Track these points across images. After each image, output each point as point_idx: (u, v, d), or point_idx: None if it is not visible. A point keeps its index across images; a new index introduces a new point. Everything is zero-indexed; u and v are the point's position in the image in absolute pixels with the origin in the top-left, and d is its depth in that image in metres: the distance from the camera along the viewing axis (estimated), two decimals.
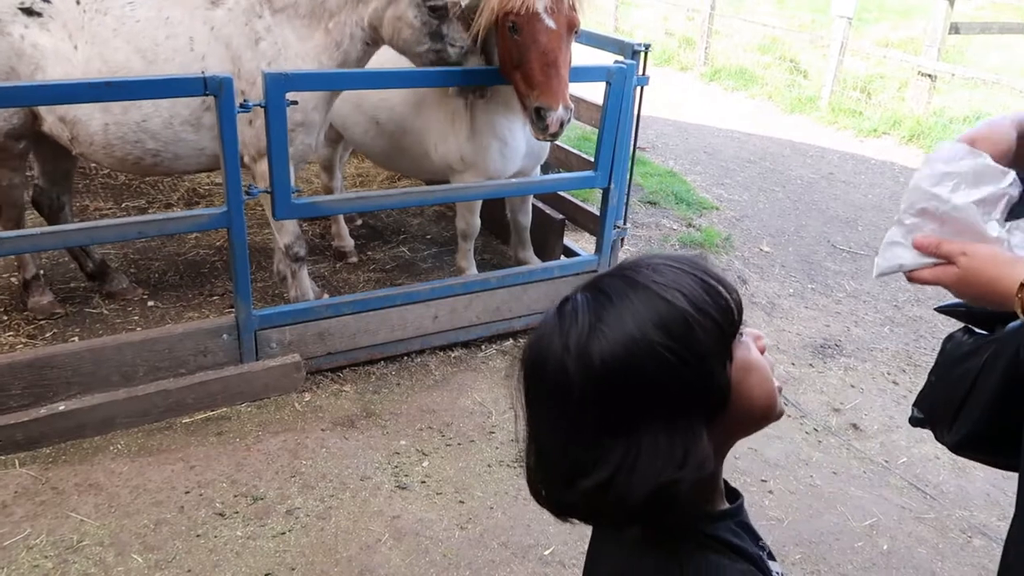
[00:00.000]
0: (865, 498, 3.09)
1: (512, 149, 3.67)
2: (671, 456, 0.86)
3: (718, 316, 0.90)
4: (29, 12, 3.21)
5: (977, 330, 1.35)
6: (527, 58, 3.10)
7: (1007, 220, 1.18)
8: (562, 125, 3.14)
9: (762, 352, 0.97)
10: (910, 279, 1.25)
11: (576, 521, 0.97)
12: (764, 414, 0.97)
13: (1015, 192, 1.17)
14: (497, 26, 3.17)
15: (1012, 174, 1.18)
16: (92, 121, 3.27)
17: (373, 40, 3.20)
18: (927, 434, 1.42)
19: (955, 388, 1.31)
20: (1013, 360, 1.20)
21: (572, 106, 3.17)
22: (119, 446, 3.01)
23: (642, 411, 0.87)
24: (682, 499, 0.87)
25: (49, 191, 3.81)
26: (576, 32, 3.21)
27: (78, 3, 3.26)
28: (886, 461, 3.32)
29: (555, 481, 0.94)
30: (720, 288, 0.91)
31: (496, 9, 3.09)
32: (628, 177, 3.93)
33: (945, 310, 1.41)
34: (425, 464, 3.04)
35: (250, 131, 3.25)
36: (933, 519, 3.02)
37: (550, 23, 3.07)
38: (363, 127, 3.89)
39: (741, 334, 0.94)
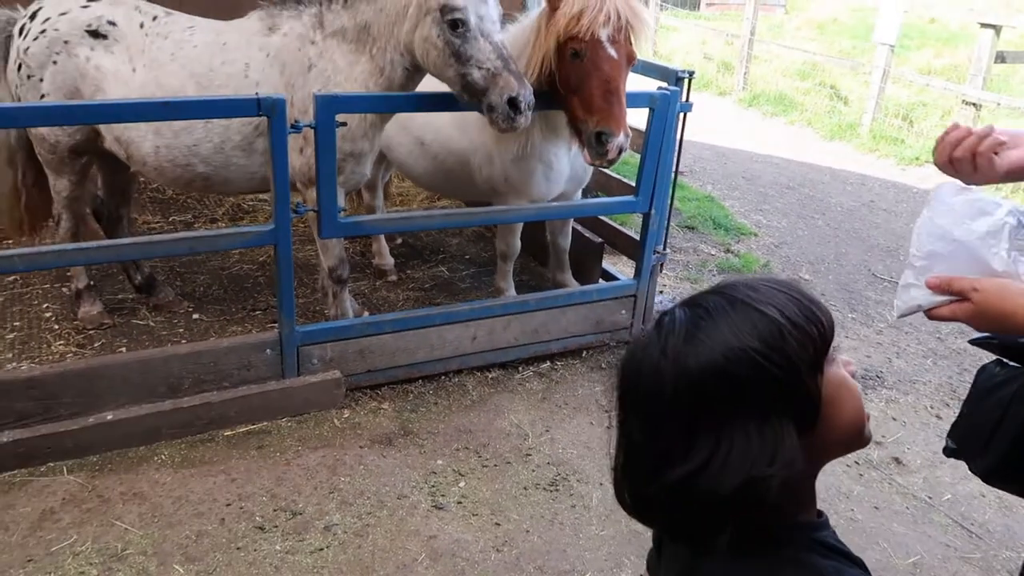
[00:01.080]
0: (908, 535, 3.03)
1: (557, 172, 3.69)
2: (762, 452, 0.90)
3: (810, 330, 0.95)
4: (95, 34, 3.33)
5: (1010, 363, 1.38)
6: (588, 84, 3.10)
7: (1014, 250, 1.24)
8: (620, 151, 3.14)
9: (852, 376, 1.01)
10: (930, 317, 1.30)
11: (647, 529, 1.01)
12: (854, 434, 1.00)
13: (1013, 220, 1.23)
14: (557, 51, 3.17)
15: (1007, 204, 1.25)
16: (144, 143, 3.36)
17: (414, 66, 3.19)
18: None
19: (986, 418, 1.36)
20: None
21: (631, 134, 3.18)
22: (163, 456, 3.07)
23: (735, 411, 0.91)
24: (770, 498, 0.90)
25: (109, 203, 3.94)
26: (632, 64, 3.22)
27: (142, 26, 3.36)
28: (930, 497, 3.25)
29: (640, 474, 0.98)
30: (813, 307, 0.97)
31: (561, 34, 3.10)
32: (669, 203, 3.93)
33: (978, 343, 1.45)
34: (461, 484, 3.05)
35: (301, 159, 3.30)
36: (979, 559, 2.95)
37: (612, 52, 3.08)
38: (407, 148, 3.95)
39: (834, 355, 0.99)
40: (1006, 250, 1.23)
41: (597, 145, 3.14)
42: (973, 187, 1.31)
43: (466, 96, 3.04)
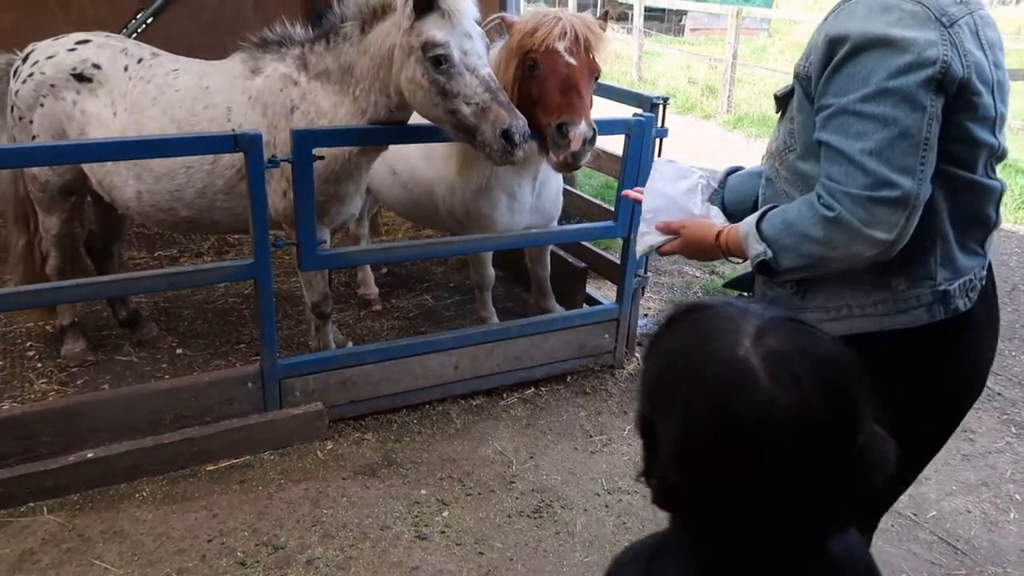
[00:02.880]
0: (893, 553, 3.02)
1: (520, 204, 3.69)
2: None
3: None
4: (80, 78, 3.37)
5: (746, 292, 2.00)
6: (546, 88, 3.06)
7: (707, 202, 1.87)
8: (584, 144, 3.01)
9: None
10: (660, 253, 1.91)
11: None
12: None
13: (704, 181, 1.86)
14: (517, 69, 3.15)
15: (698, 171, 1.89)
16: (126, 188, 3.38)
17: (398, 107, 3.12)
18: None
19: None
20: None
21: (596, 129, 3.07)
22: (144, 493, 3.05)
23: None
24: None
25: (100, 238, 3.97)
26: (596, 75, 3.20)
27: (126, 69, 3.39)
28: (915, 514, 3.24)
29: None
30: None
31: (515, 49, 3.11)
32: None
33: (728, 285, 2.10)
34: (445, 514, 3.04)
35: (284, 202, 3.28)
36: (965, 575, 2.94)
37: (570, 59, 3.07)
38: (381, 177, 3.98)
39: None
40: (700, 201, 1.84)
41: (559, 138, 3.02)
42: (676, 160, 1.95)
43: (460, 135, 2.97)
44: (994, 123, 1.58)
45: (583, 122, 3.00)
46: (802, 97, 1.65)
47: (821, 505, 0.94)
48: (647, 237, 1.90)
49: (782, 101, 1.77)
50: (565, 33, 3.07)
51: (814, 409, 0.89)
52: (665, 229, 1.87)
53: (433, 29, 2.86)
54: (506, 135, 2.84)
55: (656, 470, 1.00)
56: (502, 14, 3.33)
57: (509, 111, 2.86)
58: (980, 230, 1.67)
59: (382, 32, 3.03)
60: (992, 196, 1.65)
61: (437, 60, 2.85)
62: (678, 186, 1.84)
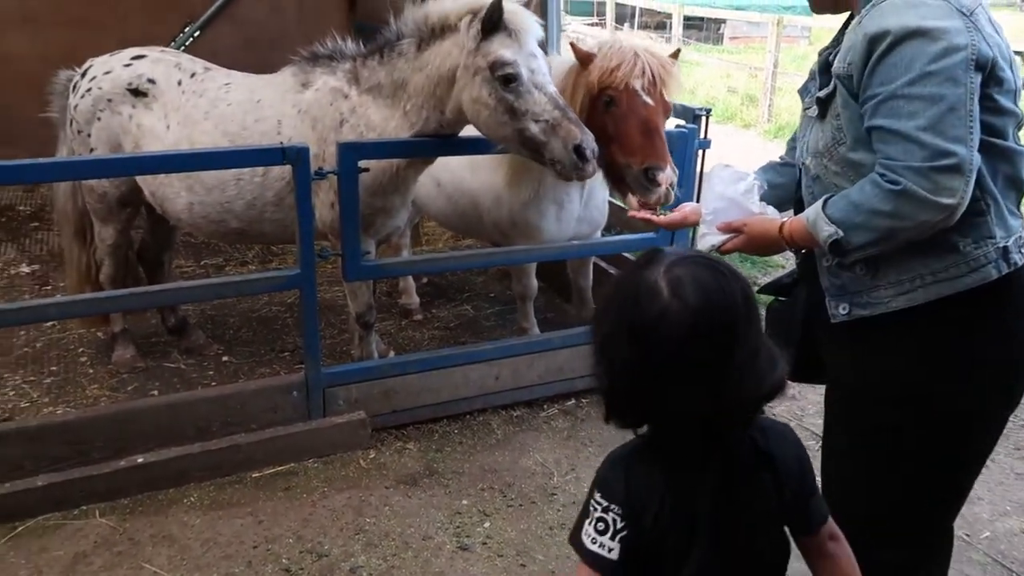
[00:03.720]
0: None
1: (568, 213, 3.71)
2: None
3: None
4: (136, 92, 3.46)
5: (781, 298, 2.13)
6: (626, 127, 3.08)
7: (762, 201, 1.99)
8: (671, 185, 3.08)
9: None
10: (722, 252, 1.99)
11: None
12: None
13: (760, 181, 2.00)
14: (589, 103, 3.17)
15: (752, 173, 2.03)
16: (178, 200, 3.46)
17: (451, 123, 3.15)
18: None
19: (776, 333, 1.98)
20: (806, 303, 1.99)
21: (676, 171, 3.15)
22: (192, 499, 3.11)
23: None
24: None
25: (152, 247, 4.08)
26: (667, 115, 3.23)
27: (179, 84, 3.47)
28: (967, 535, 3.16)
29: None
30: None
31: (595, 85, 3.11)
32: (690, 237, 3.94)
33: (763, 291, 2.14)
34: (487, 525, 3.05)
35: (331, 214, 3.31)
36: None
37: (647, 99, 3.10)
38: (426, 189, 4.01)
39: None
40: (757, 200, 1.96)
41: (647, 182, 3.06)
42: (732, 164, 2.05)
43: (525, 152, 2.99)
44: (1015, 94, 1.75)
45: (668, 167, 3.06)
46: (845, 95, 1.78)
47: (702, 406, 1.27)
48: (708, 238, 2.01)
49: (824, 103, 1.88)
50: (644, 71, 3.08)
51: (698, 321, 1.25)
52: (727, 228, 1.99)
53: (501, 49, 2.89)
54: (578, 150, 2.86)
55: (602, 390, 1.37)
56: (572, 40, 3.31)
57: (579, 127, 2.89)
58: (1016, 192, 1.82)
59: (441, 51, 3.04)
60: (1022, 160, 1.81)
61: (506, 79, 2.88)
62: (737, 188, 1.96)
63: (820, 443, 3.22)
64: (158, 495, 3.11)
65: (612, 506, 1.37)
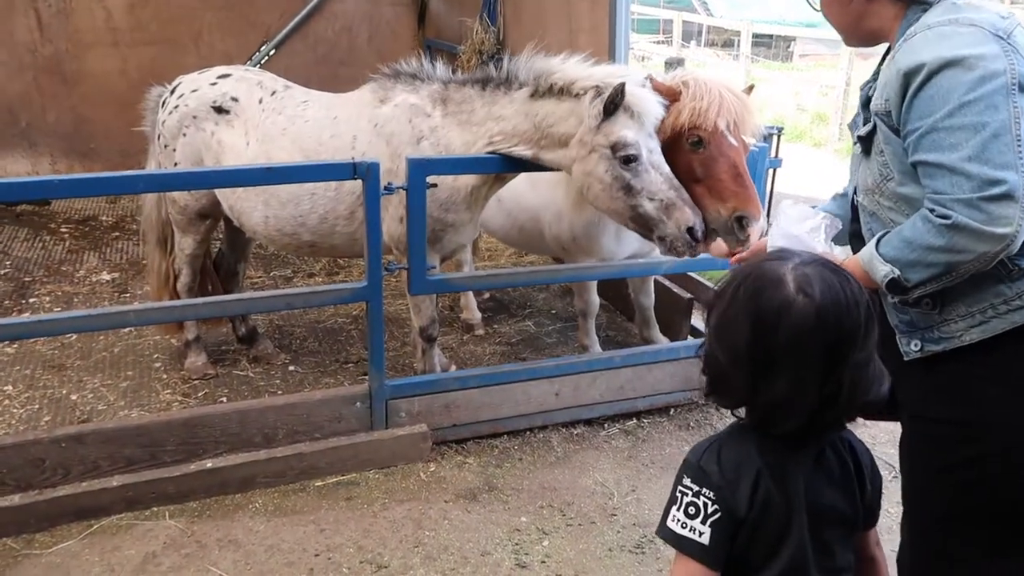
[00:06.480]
0: None
1: (627, 231, 3.68)
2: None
3: None
4: (219, 110, 3.60)
5: None
6: (716, 170, 3.02)
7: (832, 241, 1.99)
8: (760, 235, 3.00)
9: None
10: None
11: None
12: None
13: (828, 222, 1.96)
14: (672, 140, 3.10)
15: (822, 212, 2.01)
16: (255, 213, 3.57)
17: (529, 164, 3.19)
18: None
19: None
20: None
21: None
22: (257, 504, 3.17)
23: None
24: None
25: (228, 257, 4.23)
26: (746, 154, 3.18)
27: (260, 102, 3.60)
28: None
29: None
30: None
31: (685, 124, 3.04)
32: None
33: None
34: (545, 543, 3.02)
35: (399, 228, 3.35)
36: None
37: (733, 140, 3.06)
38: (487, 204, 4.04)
39: None
40: (824, 239, 1.94)
41: (739, 231, 2.99)
42: (800, 202, 2.04)
43: (632, 225, 3.06)
44: None
45: (761, 216, 3.01)
46: (886, 131, 1.78)
47: (809, 399, 1.32)
48: None
49: (866, 140, 1.86)
50: (731, 111, 3.05)
51: (820, 320, 1.29)
52: None
53: (624, 130, 2.91)
54: (691, 231, 2.92)
55: (711, 370, 1.42)
56: (651, 74, 3.27)
57: (692, 209, 2.94)
58: None
59: (557, 113, 3.05)
60: None
61: (627, 159, 2.92)
62: (803, 226, 1.96)
63: (892, 474, 3.14)
64: (225, 499, 3.19)
65: (704, 490, 1.37)
